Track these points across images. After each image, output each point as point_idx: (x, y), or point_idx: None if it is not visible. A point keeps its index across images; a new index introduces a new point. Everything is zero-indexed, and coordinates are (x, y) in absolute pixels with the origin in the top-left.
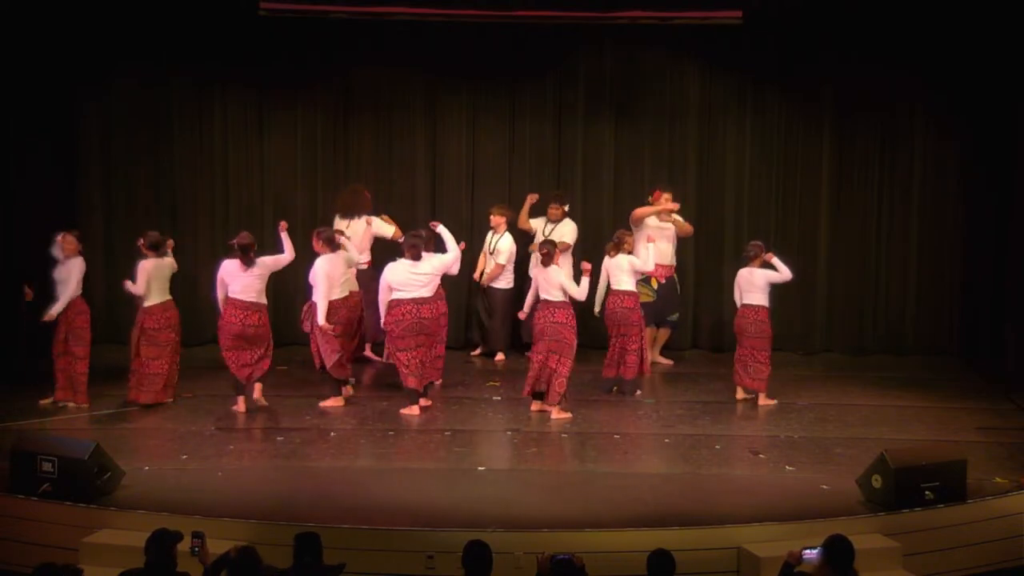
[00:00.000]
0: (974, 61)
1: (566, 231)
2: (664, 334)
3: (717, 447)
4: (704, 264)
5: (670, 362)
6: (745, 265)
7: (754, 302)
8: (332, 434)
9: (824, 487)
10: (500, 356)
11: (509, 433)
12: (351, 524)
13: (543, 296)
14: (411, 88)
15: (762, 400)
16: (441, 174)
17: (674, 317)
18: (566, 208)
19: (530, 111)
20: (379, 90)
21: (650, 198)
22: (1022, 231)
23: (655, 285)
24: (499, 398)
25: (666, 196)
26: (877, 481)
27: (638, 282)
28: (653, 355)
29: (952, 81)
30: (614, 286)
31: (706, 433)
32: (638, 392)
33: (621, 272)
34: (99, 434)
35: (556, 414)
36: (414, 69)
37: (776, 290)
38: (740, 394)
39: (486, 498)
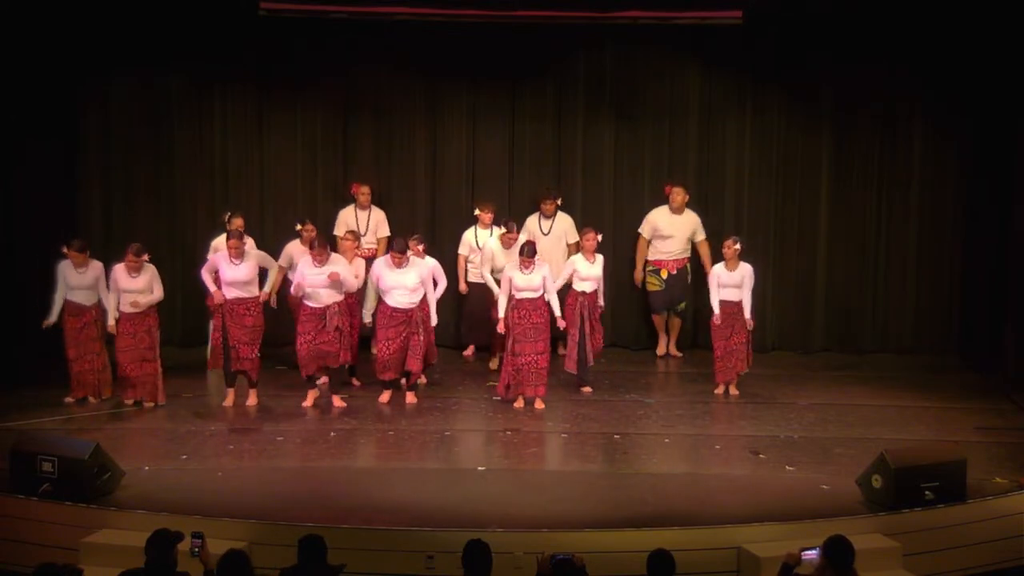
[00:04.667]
0: (974, 61)
1: (567, 227)
2: (675, 324)
3: (717, 447)
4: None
5: (680, 355)
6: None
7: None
8: (332, 434)
9: (824, 487)
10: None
11: (509, 433)
12: (351, 524)
13: (534, 295)
14: (411, 88)
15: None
16: (441, 174)
17: (681, 306)
18: (559, 202)
19: (530, 111)
20: (379, 90)
21: (666, 191)
22: (1022, 231)
23: (664, 275)
24: (499, 398)
25: (676, 189)
26: (877, 481)
27: (649, 272)
28: (670, 347)
29: (952, 81)
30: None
31: (706, 433)
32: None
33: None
34: (99, 434)
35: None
36: (414, 69)
37: (776, 289)
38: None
39: (486, 498)
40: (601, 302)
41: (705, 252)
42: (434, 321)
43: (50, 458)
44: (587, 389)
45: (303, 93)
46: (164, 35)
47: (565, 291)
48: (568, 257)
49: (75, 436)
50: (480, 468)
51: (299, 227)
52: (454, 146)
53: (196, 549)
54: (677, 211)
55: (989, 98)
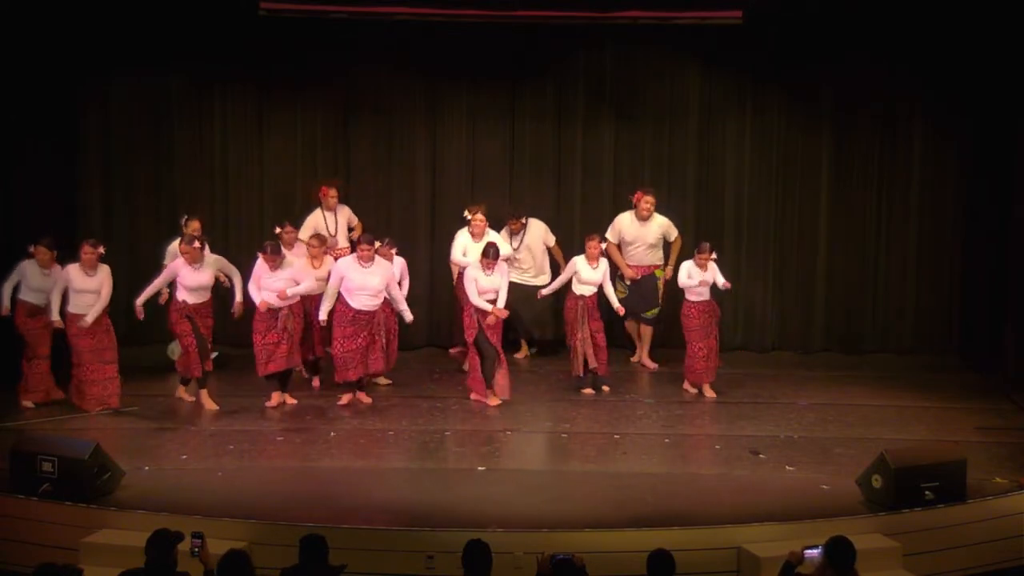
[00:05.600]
0: (974, 61)
1: (540, 234)
2: (647, 332)
3: (717, 447)
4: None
5: (655, 365)
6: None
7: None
8: (332, 434)
9: (824, 487)
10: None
11: (509, 433)
12: (351, 524)
13: (495, 295)
14: (411, 88)
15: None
16: (441, 174)
17: (650, 313)
18: (524, 220)
19: (530, 111)
20: (379, 90)
21: (631, 197)
22: (1022, 231)
23: (627, 281)
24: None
25: (647, 199)
26: (877, 481)
27: (616, 277)
28: (643, 357)
29: (952, 81)
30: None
31: (706, 433)
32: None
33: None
34: (99, 434)
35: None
36: (414, 69)
37: (777, 289)
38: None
39: (486, 498)
40: (615, 304)
41: (675, 251)
42: (408, 317)
43: (50, 458)
44: (589, 391)
45: (303, 93)
46: (164, 35)
47: (565, 292)
48: (547, 260)
49: (75, 436)
50: (480, 468)
51: (278, 230)
52: (454, 146)
53: (196, 549)
54: (643, 219)
55: (989, 98)
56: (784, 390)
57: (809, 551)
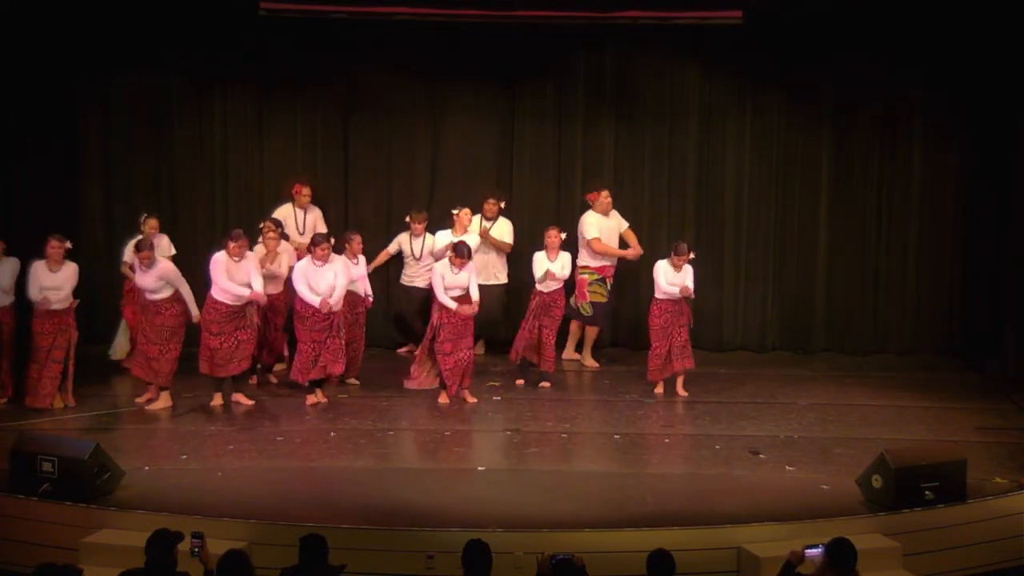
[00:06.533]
0: (974, 61)
1: (504, 231)
2: (591, 332)
3: (717, 447)
4: (703, 264)
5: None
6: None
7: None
8: (332, 434)
9: (824, 487)
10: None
11: (509, 433)
12: (351, 524)
13: (460, 293)
14: (411, 88)
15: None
16: (441, 174)
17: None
18: (502, 205)
19: (530, 111)
20: (379, 90)
21: (592, 197)
22: (1022, 231)
23: (608, 285)
24: (499, 398)
25: (604, 192)
26: (877, 481)
27: (595, 282)
28: (584, 356)
29: (952, 81)
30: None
31: (706, 433)
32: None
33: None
34: (99, 434)
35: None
36: (414, 69)
37: (777, 289)
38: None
39: (486, 498)
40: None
41: (632, 237)
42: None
43: (50, 458)
44: (521, 382)
45: (303, 93)
46: (164, 35)
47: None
48: (502, 261)
49: (75, 436)
50: (480, 468)
51: (261, 226)
52: (454, 146)
53: (196, 549)
54: (606, 213)
55: (989, 98)
56: (784, 390)
57: (809, 551)
